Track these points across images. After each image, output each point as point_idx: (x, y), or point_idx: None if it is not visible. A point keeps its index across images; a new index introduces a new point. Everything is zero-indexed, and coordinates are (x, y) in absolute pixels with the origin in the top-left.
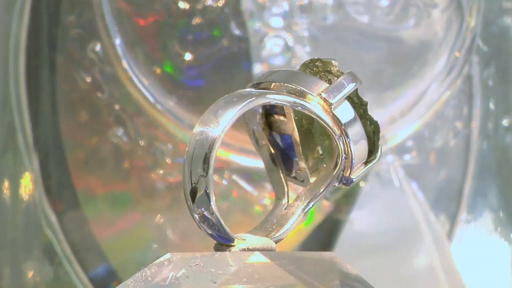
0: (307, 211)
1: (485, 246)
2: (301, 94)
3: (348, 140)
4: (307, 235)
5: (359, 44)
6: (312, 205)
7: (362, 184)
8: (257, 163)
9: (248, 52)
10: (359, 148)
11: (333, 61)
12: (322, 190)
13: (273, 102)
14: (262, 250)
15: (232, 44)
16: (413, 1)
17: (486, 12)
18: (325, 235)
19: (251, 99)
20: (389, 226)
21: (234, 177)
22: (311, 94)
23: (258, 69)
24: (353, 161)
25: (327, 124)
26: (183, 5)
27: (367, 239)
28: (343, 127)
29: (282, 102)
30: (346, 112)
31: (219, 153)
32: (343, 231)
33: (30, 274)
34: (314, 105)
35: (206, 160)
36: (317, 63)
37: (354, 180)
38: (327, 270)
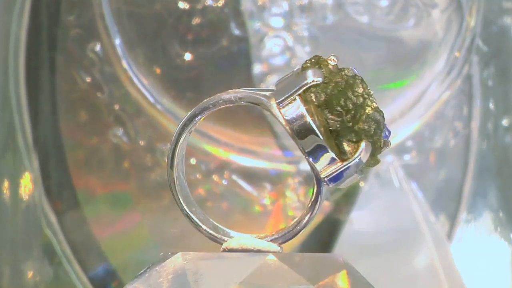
0: (303, 218)
1: (485, 246)
2: (273, 94)
3: (298, 139)
4: (307, 235)
5: (359, 44)
6: (311, 213)
7: (362, 184)
8: (257, 163)
9: (248, 52)
10: (316, 148)
11: (330, 58)
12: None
13: (237, 101)
14: (242, 251)
15: (232, 44)
16: (413, 1)
17: (486, 12)
18: (325, 235)
19: (213, 100)
20: (389, 226)
21: (234, 177)
22: (272, 93)
23: (258, 69)
24: (310, 159)
25: (280, 123)
26: (183, 5)
27: (367, 239)
28: (291, 125)
29: (241, 101)
30: (294, 110)
31: (219, 153)
32: (343, 231)
33: (30, 274)
34: (272, 104)
35: (171, 158)
36: (307, 60)
37: (326, 178)
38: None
